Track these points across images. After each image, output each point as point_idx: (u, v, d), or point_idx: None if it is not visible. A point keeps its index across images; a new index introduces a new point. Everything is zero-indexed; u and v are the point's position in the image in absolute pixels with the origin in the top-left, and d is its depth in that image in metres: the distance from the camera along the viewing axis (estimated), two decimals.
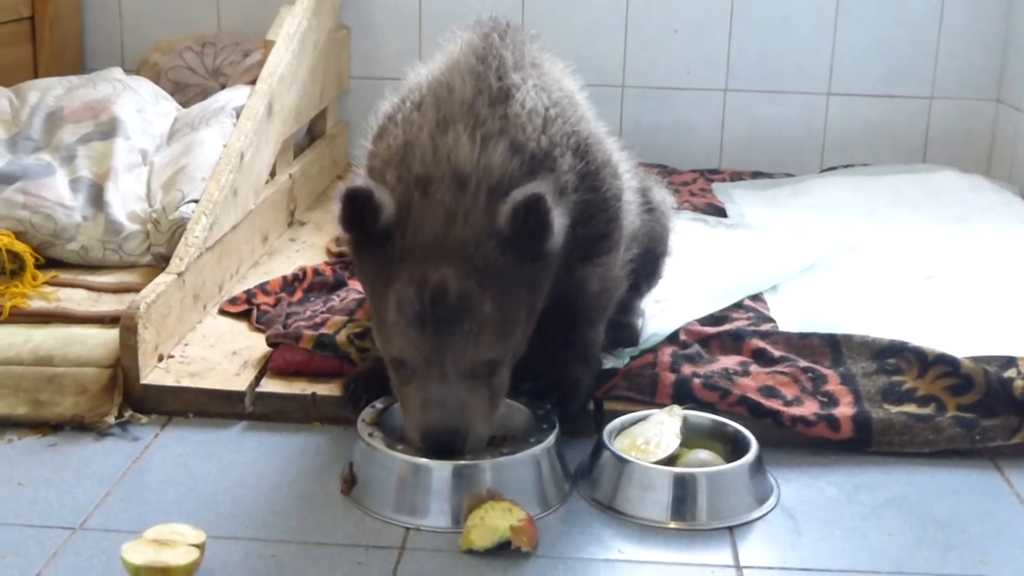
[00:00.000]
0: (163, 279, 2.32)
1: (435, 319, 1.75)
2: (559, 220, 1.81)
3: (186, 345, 2.36)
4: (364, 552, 1.77)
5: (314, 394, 2.17)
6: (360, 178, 1.82)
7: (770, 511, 1.89)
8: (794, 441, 2.08)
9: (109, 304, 2.40)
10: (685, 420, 2.02)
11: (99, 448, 2.08)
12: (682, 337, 2.34)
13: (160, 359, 2.27)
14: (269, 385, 2.20)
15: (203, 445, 2.10)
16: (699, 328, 2.37)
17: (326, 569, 1.73)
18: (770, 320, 2.46)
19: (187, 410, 2.19)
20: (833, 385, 2.17)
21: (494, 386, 1.84)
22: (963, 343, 2.31)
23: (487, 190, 1.80)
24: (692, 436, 2.00)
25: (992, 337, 2.39)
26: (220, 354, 2.33)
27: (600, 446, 1.95)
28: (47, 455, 2.06)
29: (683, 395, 2.11)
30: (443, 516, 1.83)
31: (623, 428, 2.01)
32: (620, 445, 1.96)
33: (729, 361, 2.24)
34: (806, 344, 2.29)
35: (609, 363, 2.23)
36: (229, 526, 1.83)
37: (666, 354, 2.25)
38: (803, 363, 2.22)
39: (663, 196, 2.38)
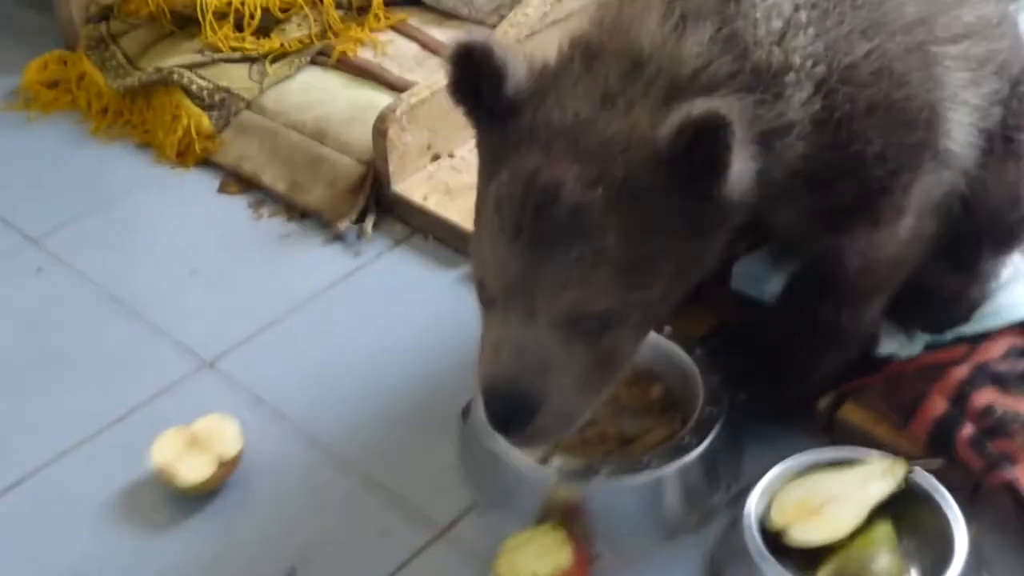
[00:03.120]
0: None
1: (534, 231, 1.25)
2: (741, 163, 1.23)
3: None
4: (402, 519, 1.53)
5: None
6: (480, 34, 1.35)
7: None
8: None
9: (431, 69, 2.15)
10: (905, 484, 1.43)
11: (318, 256, 1.97)
12: None
13: (435, 159, 2.03)
14: None
15: (408, 286, 1.89)
16: None
17: (347, 527, 1.52)
18: None
19: (427, 231, 1.97)
20: None
21: (603, 350, 1.30)
22: None
23: (668, 83, 1.26)
24: (905, 502, 1.42)
25: None
26: None
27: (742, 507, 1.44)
28: (270, 248, 1.99)
29: (940, 442, 1.48)
30: (513, 513, 1.50)
31: (815, 466, 1.47)
32: (789, 495, 1.44)
33: None
34: None
35: (890, 347, 1.60)
36: (331, 418, 1.67)
37: (973, 362, 1.56)
38: None
39: None
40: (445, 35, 2.25)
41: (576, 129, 1.25)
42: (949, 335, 1.63)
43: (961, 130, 1.47)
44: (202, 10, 2.23)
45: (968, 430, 1.48)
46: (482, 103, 1.31)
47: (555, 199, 1.23)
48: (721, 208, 1.27)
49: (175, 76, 2.18)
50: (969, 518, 1.43)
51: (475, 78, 1.29)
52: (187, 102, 2.16)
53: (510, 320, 1.28)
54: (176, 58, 2.23)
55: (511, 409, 1.29)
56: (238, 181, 2.11)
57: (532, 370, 1.28)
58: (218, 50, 2.22)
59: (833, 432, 1.58)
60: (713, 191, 1.23)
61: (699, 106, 1.19)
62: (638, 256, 1.25)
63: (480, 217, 1.33)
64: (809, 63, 1.31)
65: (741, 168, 1.23)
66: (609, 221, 1.23)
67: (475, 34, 1.29)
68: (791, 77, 1.30)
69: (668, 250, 1.28)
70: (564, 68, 1.32)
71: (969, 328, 1.64)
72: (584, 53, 1.32)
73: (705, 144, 1.19)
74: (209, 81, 2.18)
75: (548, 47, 1.39)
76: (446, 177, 2.01)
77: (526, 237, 1.25)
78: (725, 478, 1.52)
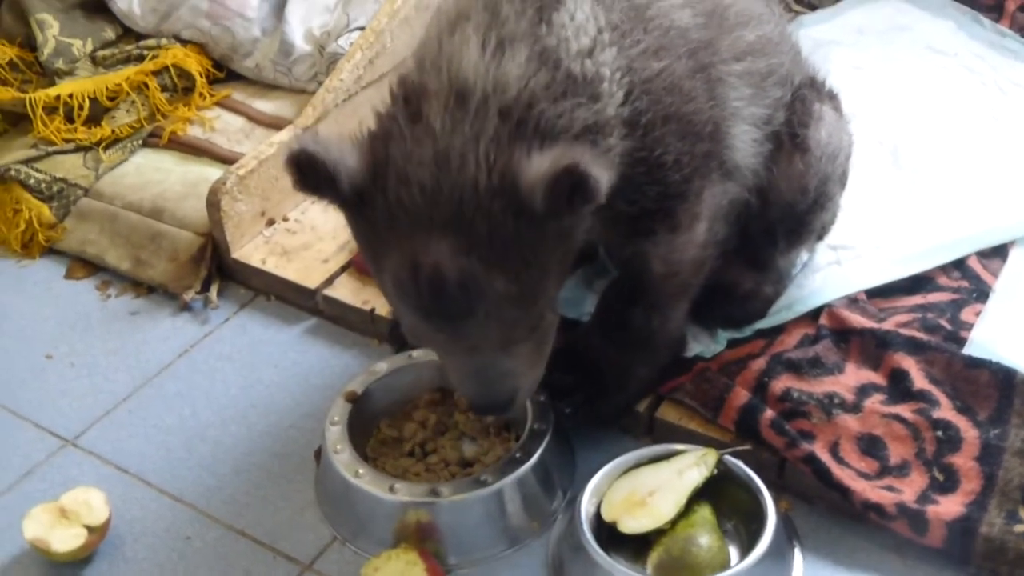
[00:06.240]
0: (280, 137, 2.15)
1: (440, 313, 1.41)
2: (604, 181, 1.33)
3: (313, 203, 2.18)
4: (270, 561, 1.63)
5: (373, 310, 1.95)
6: (306, 137, 1.43)
7: None
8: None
9: (258, 139, 2.28)
10: (719, 470, 1.59)
11: (167, 327, 2.05)
12: (821, 321, 1.79)
13: (270, 223, 2.15)
14: (339, 288, 2.01)
15: (256, 345, 1.99)
16: (845, 314, 1.77)
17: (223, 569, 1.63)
18: (984, 296, 1.81)
19: (268, 292, 2.09)
20: (964, 457, 1.58)
21: (537, 338, 1.52)
22: None
23: (497, 111, 1.38)
24: (721, 486, 1.59)
25: None
26: (333, 223, 2.13)
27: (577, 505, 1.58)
28: (120, 326, 2.07)
29: (746, 429, 1.65)
30: (371, 541, 1.62)
31: (638, 463, 1.62)
32: (617, 491, 1.59)
33: (849, 380, 1.69)
34: (969, 377, 1.67)
35: (697, 348, 1.77)
36: (193, 478, 1.77)
37: (770, 353, 1.74)
38: (940, 413, 1.62)
39: (831, 132, 1.75)
40: (269, 106, 2.37)
41: (427, 205, 1.37)
42: (748, 330, 1.80)
43: (743, 144, 1.66)
44: (32, 106, 2.30)
45: (769, 414, 1.65)
46: (331, 197, 1.42)
47: (442, 281, 1.37)
48: (580, 217, 1.42)
49: (12, 172, 2.25)
50: (778, 494, 1.61)
51: (313, 180, 1.39)
52: (26, 196, 2.23)
53: (459, 359, 1.50)
54: (11, 155, 2.29)
55: (499, 410, 1.60)
56: (84, 265, 2.19)
57: (502, 381, 1.51)
58: (51, 143, 2.29)
59: (654, 431, 1.74)
60: (573, 217, 1.40)
61: (552, 165, 1.31)
62: (530, 281, 1.41)
63: (387, 290, 1.47)
64: (618, 75, 1.47)
65: (604, 186, 1.33)
66: (493, 273, 1.37)
67: (301, 138, 1.39)
68: (605, 86, 1.46)
69: (549, 262, 1.43)
70: (391, 127, 1.42)
71: (766, 322, 1.81)
72: (407, 100, 1.44)
73: (573, 189, 1.31)
74: (46, 174, 2.26)
75: (368, 107, 1.51)
76: (282, 240, 2.13)
77: (436, 316, 1.42)
78: (560, 484, 1.67)
